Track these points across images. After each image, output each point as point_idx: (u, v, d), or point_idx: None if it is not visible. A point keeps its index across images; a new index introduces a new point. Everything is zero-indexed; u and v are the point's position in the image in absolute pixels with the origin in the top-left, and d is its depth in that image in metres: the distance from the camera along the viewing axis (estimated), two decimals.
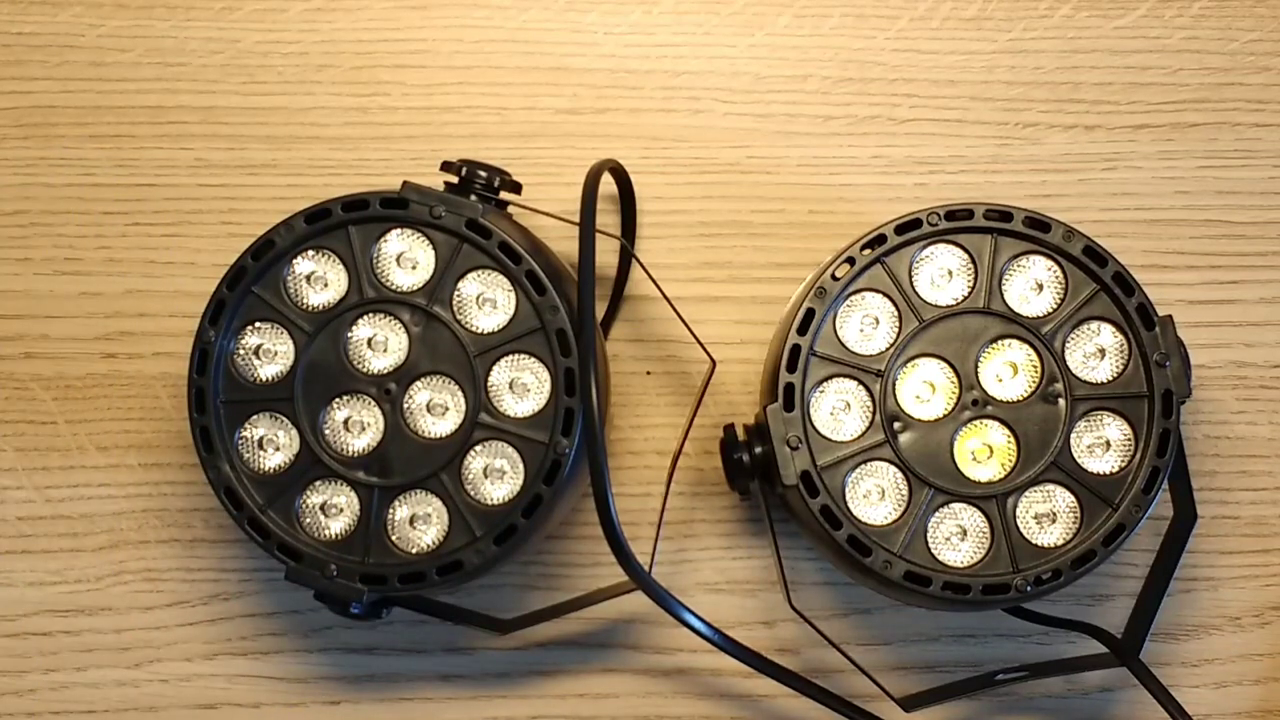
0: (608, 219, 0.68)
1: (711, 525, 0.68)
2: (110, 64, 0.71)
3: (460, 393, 0.58)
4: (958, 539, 0.57)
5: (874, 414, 0.58)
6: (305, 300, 0.59)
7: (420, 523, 0.58)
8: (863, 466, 0.58)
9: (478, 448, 0.58)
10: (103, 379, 0.68)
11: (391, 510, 0.58)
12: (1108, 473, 0.57)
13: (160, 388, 0.68)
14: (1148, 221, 0.69)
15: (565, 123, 0.71)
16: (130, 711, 0.67)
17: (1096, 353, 0.58)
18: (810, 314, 0.58)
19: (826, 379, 0.58)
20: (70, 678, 0.67)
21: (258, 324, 0.59)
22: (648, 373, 0.69)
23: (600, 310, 0.68)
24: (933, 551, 0.57)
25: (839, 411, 0.58)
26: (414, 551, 0.58)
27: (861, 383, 0.58)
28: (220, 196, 0.69)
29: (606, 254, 0.66)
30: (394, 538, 0.58)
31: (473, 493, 0.58)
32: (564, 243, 0.64)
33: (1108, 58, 0.71)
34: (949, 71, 0.71)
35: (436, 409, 0.58)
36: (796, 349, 0.58)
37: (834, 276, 0.59)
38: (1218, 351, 0.68)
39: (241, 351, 0.59)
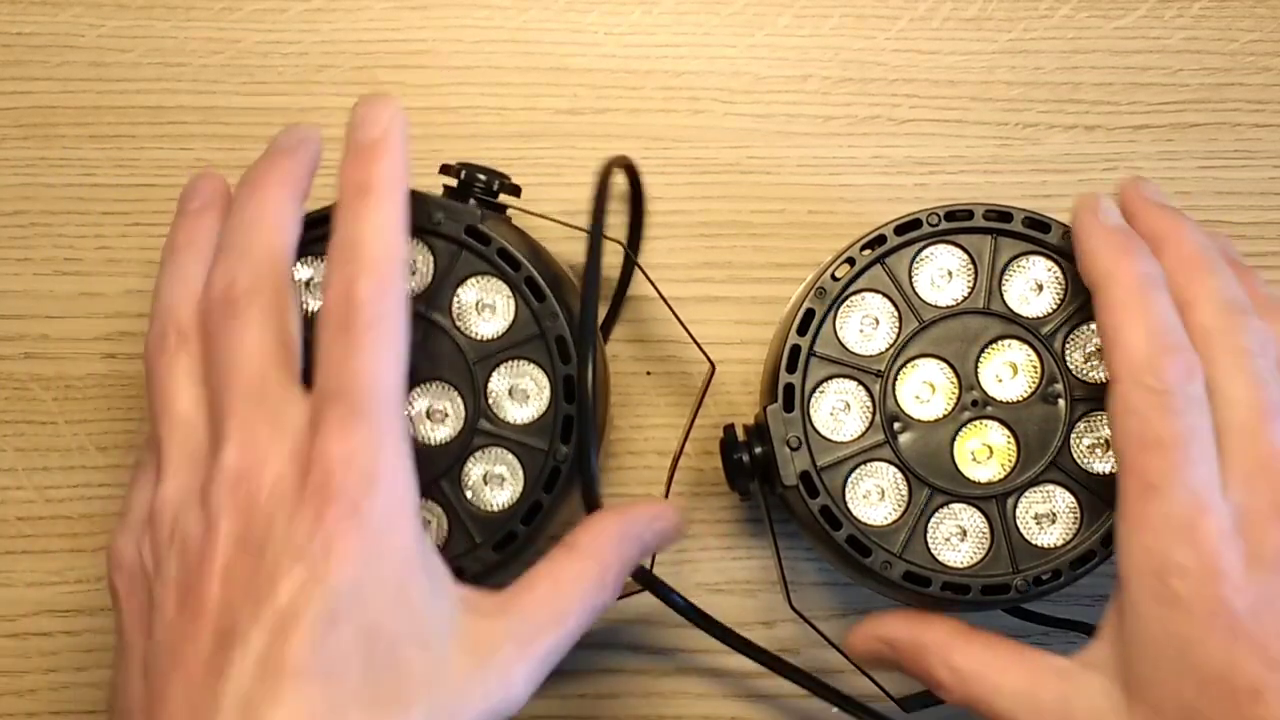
0: (610, 218, 0.68)
1: (711, 526, 0.68)
2: (110, 64, 0.71)
3: (459, 399, 0.58)
4: (957, 539, 0.57)
5: (874, 414, 0.58)
6: (305, 306, 0.58)
7: None
8: (862, 467, 0.58)
9: (477, 454, 0.58)
10: (103, 379, 0.68)
11: None
12: (1108, 473, 0.57)
13: None
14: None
15: (565, 123, 0.71)
16: None
17: (1096, 353, 0.58)
18: (810, 314, 0.58)
19: (826, 379, 0.58)
20: (70, 678, 0.67)
21: None
22: (648, 373, 0.69)
23: (600, 313, 0.68)
24: (932, 552, 0.57)
25: (839, 412, 0.58)
26: None
27: (861, 383, 0.58)
28: None
29: (607, 255, 0.66)
30: None
31: (472, 499, 0.57)
32: (564, 243, 0.64)
33: (1108, 58, 0.71)
34: (949, 72, 0.71)
35: (436, 415, 0.58)
36: (796, 349, 0.58)
37: (834, 277, 0.58)
38: None
39: None
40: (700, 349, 0.62)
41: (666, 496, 0.63)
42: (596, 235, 0.56)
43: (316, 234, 0.58)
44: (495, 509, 0.58)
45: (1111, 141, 0.70)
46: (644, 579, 0.58)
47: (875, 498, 0.58)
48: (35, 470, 0.68)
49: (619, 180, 0.67)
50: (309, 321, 0.58)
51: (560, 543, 0.53)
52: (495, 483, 0.58)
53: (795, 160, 0.70)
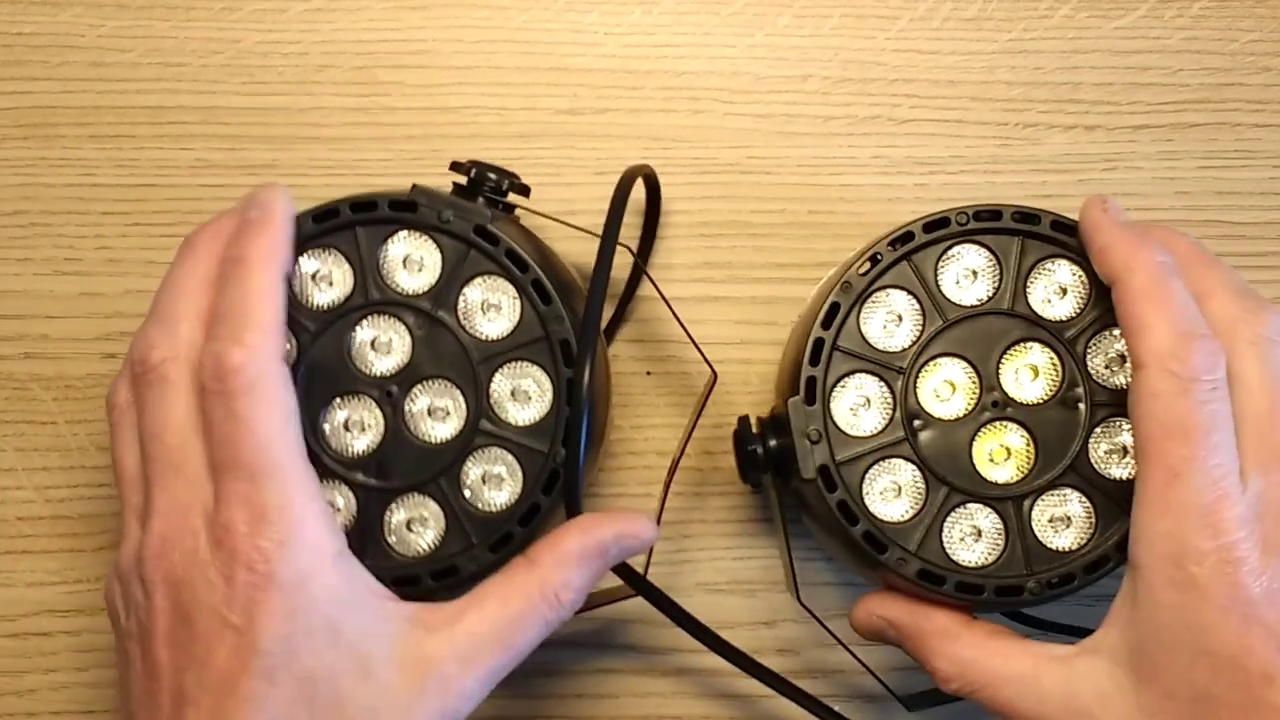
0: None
1: (712, 525, 0.68)
2: (110, 64, 0.70)
3: (461, 398, 0.58)
4: (972, 539, 0.57)
5: (894, 411, 0.58)
6: (310, 299, 0.58)
7: (417, 526, 0.57)
8: (881, 463, 0.57)
9: (477, 454, 0.57)
10: (103, 379, 0.68)
11: (389, 513, 0.58)
12: (1125, 479, 0.57)
13: None
14: (1148, 222, 0.69)
15: (565, 123, 0.71)
16: None
17: (1117, 359, 0.57)
18: (835, 308, 0.58)
19: (848, 374, 0.58)
20: (70, 678, 0.67)
21: None
22: (648, 373, 0.69)
23: (606, 314, 0.68)
24: (947, 551, 0.57)
25: (859, 407, 0.58)
26: (410, 555, 0.57)
27: (883, 379, 0.58)
28: (220, 197, 0.69)
29: (615, 256, 0.66)
30: (390, 540, 0.57)
31: (470, 498, 0.57)
32: (566, 243, 0.64)
33: (1108, 58, 0.71)
34: (949, 72, 0.71)
35: (437, 413, 0.58)
36: (820, 342, 0.58)
37: (860, 272, 0.58)
38: None
39: None
40: (703, 356, 0.62)
41: (664, 500, 0.63)
42: (609, 246, 0.56)
43: (323, 227, 0.58)
44: (493, 509, 0.57)
45: (1111, 141, 0.71)
46: (632, 581, 0.58)
47: (892, 494, 0.58)
48: (35, 470, 0.68)
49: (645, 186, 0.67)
50: (313, 315, 0.58)
51: (522, 554, 0.54)
52: (494, 483, 0.58)
53: (795, 160, 0.70)
